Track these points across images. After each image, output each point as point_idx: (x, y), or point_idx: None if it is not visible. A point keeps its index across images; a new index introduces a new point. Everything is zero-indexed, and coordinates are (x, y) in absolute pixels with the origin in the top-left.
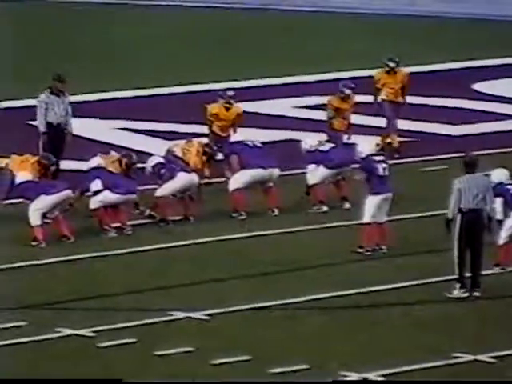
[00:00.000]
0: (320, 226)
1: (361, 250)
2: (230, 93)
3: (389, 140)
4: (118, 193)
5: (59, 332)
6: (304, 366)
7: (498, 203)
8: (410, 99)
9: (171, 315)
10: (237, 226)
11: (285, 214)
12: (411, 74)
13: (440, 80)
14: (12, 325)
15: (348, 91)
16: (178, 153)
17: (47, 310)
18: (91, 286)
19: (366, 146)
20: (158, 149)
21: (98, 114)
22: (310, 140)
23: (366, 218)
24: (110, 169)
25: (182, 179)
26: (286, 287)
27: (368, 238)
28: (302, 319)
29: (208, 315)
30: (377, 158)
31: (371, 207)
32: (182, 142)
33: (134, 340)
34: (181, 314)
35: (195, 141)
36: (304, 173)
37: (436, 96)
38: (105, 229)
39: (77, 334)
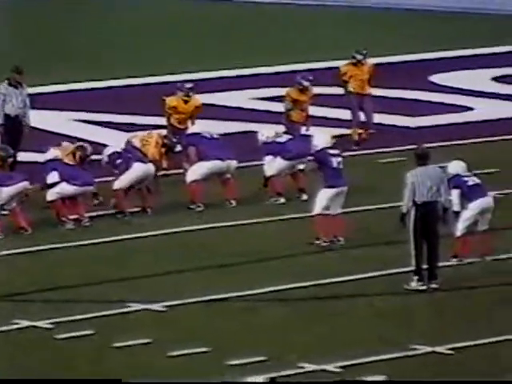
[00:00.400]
0: (278, 217)
1: (317, 242)
2: (189, 85)
3: (349, 132)
4: (75, 184)
5: (17, 324)
6: (262, 358)
7: (455, 195)
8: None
9: (129, 307)
10: (194, 217)
11: (242, 205)
12: None
13: (397, 72)
14: None
15: (306, 83)
16: (137, 144)
17: (6, 302)
18: (49, 278)
19: (321, 138)
20: (115, 140)
21: (56, 106)
22: (266, 131)
23: (316, 210)
24: (66, 161)
25: (138, 169)
26: (245, 279)
27: (320, 229)
28: (260, 311)
29: (166, 307)
30: (331, 151)
31: (323, 199)
32: (143, 133)
33: (92, 332)
34: (139, 306)
35: (155, 132)
36: (261, 164)
37: (394, 88)
38: (62, 220)
39: (35, 326)
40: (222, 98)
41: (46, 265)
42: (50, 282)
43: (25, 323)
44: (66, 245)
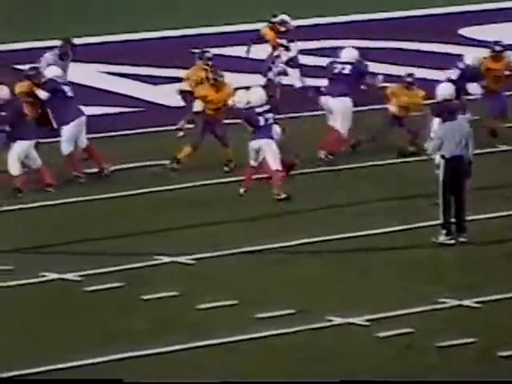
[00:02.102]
0: (310, 170)
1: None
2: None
3: None
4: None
5: (45, 276)
6: (291, 311)
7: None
8: (399, 45)
9: (158, 259)
10: (223, 170)
11: None
12: (394, 19)
13: (426, 25)
14: None
15: (498, 48)
16: None
17: (32, 254)
18: (76, 231)
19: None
20: (143, 93)
21: (85, 58)
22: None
23: None
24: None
25: None
26: (277, 231)
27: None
28: (291, 263)
29: (195, 259)
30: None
31: None
32: None
33: (121, 284)
34: (168, 259)
35: None
36: None
37: (423, 41)
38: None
39: (63, 279)
40: None
41: (72, 218)
42: (77, 234)
43: (52, 276)
44: (91, 197)
